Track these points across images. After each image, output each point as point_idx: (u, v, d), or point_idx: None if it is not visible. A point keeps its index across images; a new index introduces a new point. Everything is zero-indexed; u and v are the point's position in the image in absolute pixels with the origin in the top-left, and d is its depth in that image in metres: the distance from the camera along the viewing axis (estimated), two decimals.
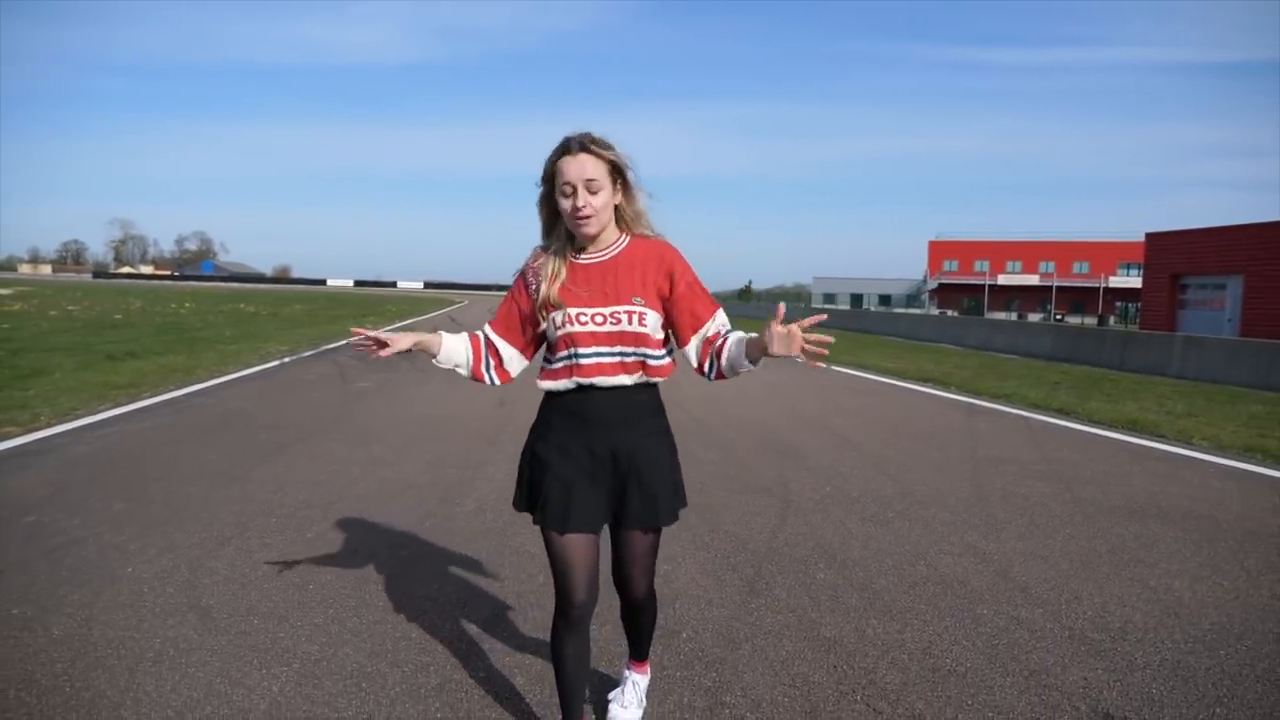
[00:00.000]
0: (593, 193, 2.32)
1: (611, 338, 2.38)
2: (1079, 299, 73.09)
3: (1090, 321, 60.82)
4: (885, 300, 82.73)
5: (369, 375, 12.84)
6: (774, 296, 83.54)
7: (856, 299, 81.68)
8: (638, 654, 2.83)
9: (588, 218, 2.32)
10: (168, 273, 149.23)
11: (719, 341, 2.43)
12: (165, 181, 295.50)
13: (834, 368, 16.09)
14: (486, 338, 2.63)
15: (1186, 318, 36.70)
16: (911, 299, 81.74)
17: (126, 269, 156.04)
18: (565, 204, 2.33)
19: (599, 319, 2.38)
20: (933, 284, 79.68)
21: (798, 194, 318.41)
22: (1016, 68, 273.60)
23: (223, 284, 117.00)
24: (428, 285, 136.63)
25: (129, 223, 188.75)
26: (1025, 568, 4.34)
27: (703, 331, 2.47)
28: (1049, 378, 15.16)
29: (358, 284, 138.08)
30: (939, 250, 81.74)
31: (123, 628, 3.39)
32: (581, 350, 2.39)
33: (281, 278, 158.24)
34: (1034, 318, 65.86)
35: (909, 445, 7.80)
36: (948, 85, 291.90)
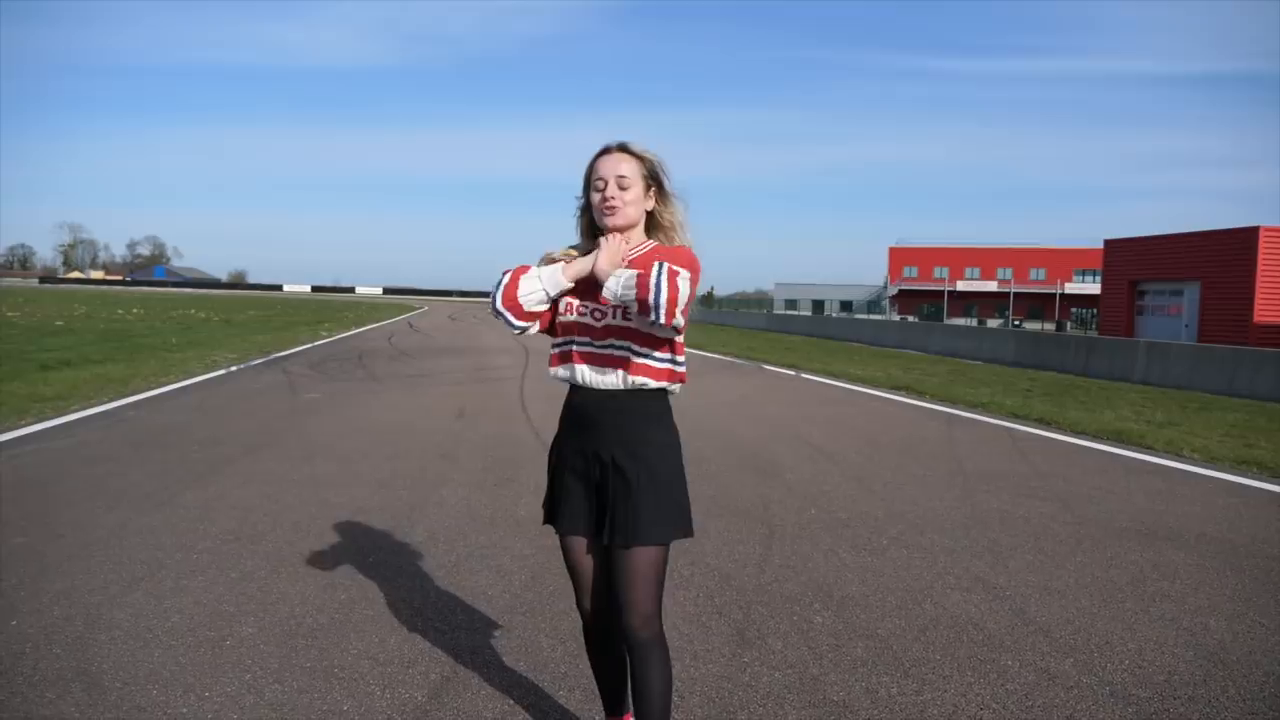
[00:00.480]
0: (622, 188, 2.33)
1: (603, 331, 2.31)
2: (1036, 305, 73.79)
3: (1048, 327, 61.49)
4: (847, 306, 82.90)
5: (320, 385, 12.18)
6: (735, 303, 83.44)
7: (818, 305, 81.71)
8: None
9: (613, 208, 2.32)
10: (119, 278, 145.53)
11: None
12: (117, 184, 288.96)
13: (803, 375, 15.71)
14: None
15: (1145, 323, 37.04)
16: (873, 305, 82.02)
17: (76, 274, 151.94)
18: (595, 197, 2.35)
19: (598, 315, 2.32)
20: (893, 290, 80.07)
21: (759, 199, 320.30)
22: (975, 77, 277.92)
23: (175, 289, 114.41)
24: (387, 291, 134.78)
25: (79, 226, 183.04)
26: (1043, 605, 3.89)
27: None
28: (1019, 384, 14.93)
29: (315, 289, 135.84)
30: (899, 256, 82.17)
31: None
32: (576, 339, 2.35)
33: (237, 283, 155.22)
34: (993, 323, 66.42)
35: (890, 459, 7.37)
36: (908, 93, 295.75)
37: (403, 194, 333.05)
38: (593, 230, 2.42)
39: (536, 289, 2.29)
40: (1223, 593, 4.14)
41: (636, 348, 2.29)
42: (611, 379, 2.28)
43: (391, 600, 3.79)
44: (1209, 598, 4.06)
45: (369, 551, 4.46)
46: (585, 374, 2.31)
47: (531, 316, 2.33)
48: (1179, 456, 7.83)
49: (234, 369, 14.00)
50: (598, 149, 2.38)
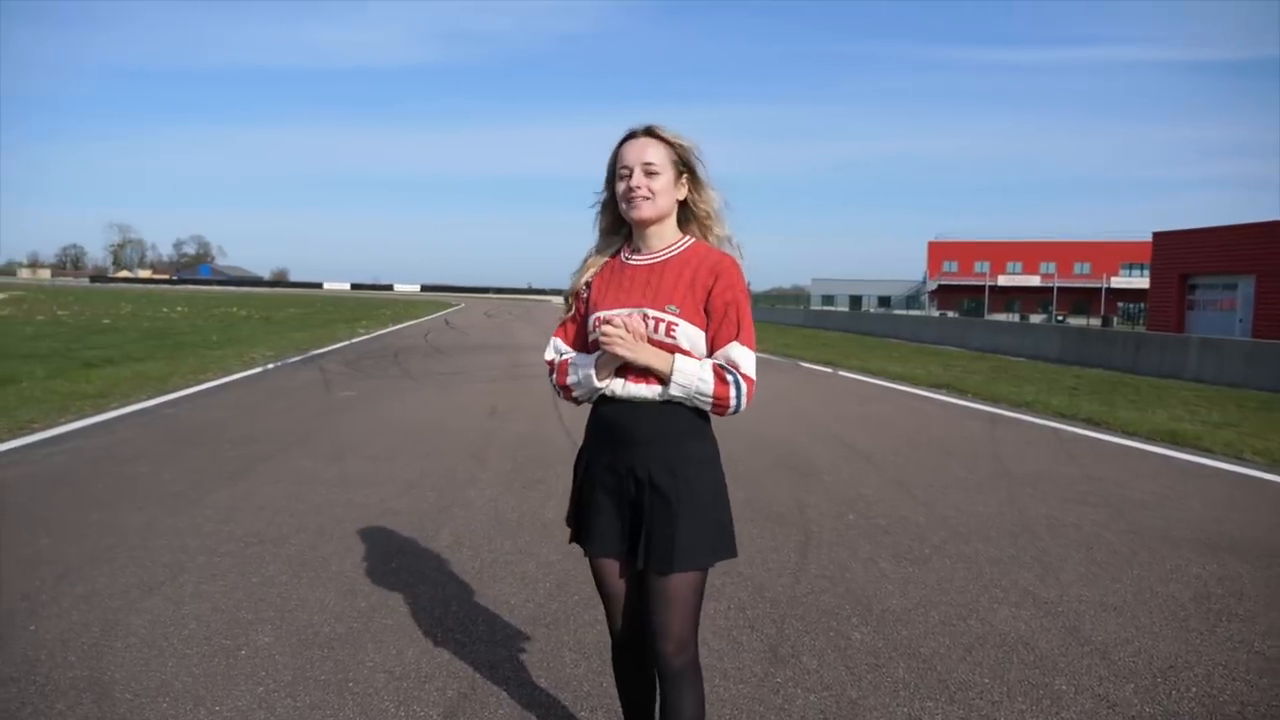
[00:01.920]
0: (650, 176, 2.10)
1: None
2: (1081, 300, 72.30)
3: (1094, 323, 60.18)
4: (884, 302, 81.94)
5: (355, 383, 12.17)
6: (772, 299, 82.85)
7: (855, 300, 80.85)
8: None
9: (640, 198, 2.10)
10: (165, 277, 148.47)
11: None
12: (164, 185, 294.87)
13: (839, 372, 15.43)
14: (561, 358, 2.29)
15: (1196, 318, 36.02)
16: (911, 300, 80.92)
17: (124, 273, 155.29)
18: (620, 186, 2.13)
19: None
20: (932, 285, 78.94)
21: (796, 195, 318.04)
22: (1015, 68, 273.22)
23: (219, 288, 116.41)
24: (424, 288, 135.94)
25: (127, 227, 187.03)
26: (1098, 622, 3.67)
27: (714, 356, 2.12)
28: (1064, 382, 14.52)
29: (354, 287, 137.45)
30: (939, 251, 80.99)
31: None
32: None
33: (278, 281, 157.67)
34: (1035, 319, 65.18)
35: (931, 460, 7.13)
36: (947, 86, 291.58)
37: (441, 192, 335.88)
38: (616, 225, 2.24)
39: (579, 386, 2.17)
40: None
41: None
42: (646, 390, 2.08)
43: (412, 609, 3.67)
44: None
45: (392, 556, 4.36)
46: (618, 385, 2.10)
47: (583, 397, 2.21)
48: (1240, 460, 7.49)
49: (271, 366, 14.08)
50: (622, 134, 2.17)
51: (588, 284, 2.22)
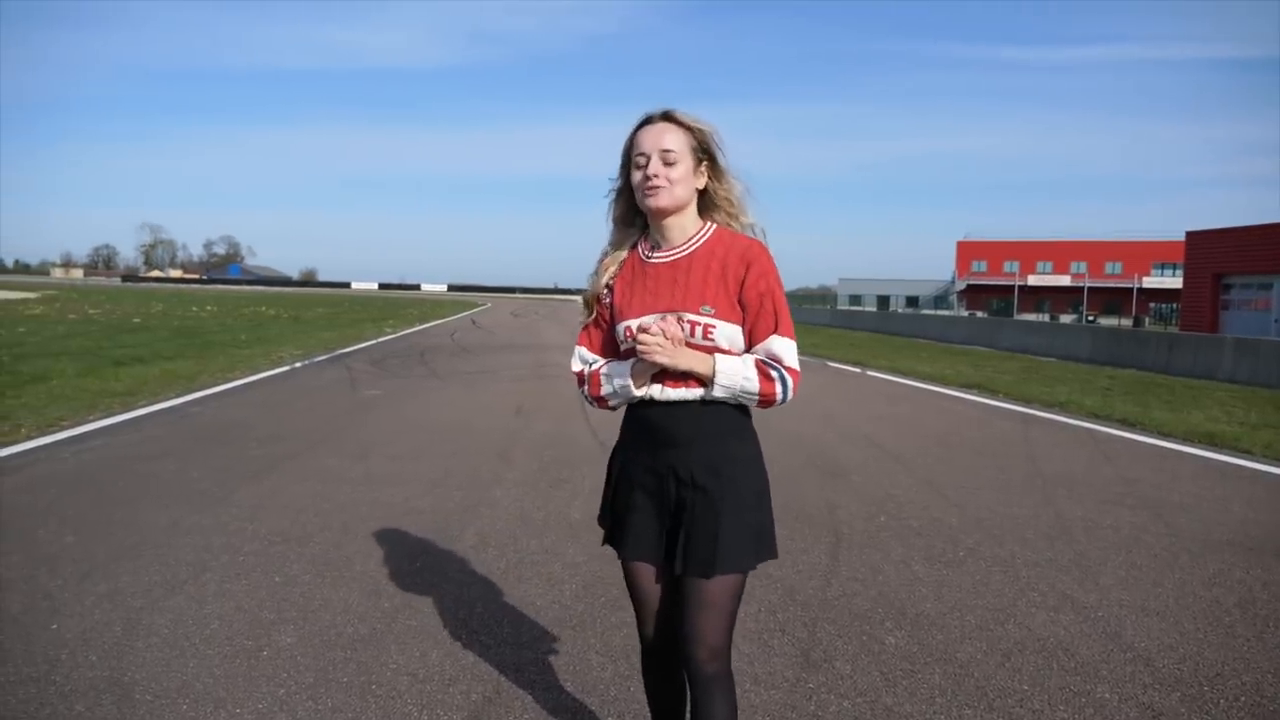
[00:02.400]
0: (667, 163, 1.99)
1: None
2: (1112, 300, 71.31)
3: (1125, 323, 59.32)
4: (912, 301, 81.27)
5: (381, 382, 12.20)
6: (800, 298, 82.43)
7: (883, 300, 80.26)
8: None
9: (657, 188, 1.99)
10: (195, 276, 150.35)
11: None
12: (195, 186, 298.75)
13: (868, 372, 15.26)
14: (591, 368, 2.18)
15: (1230, 319, 35.38)
16: (939, 300, 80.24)
17: (155, 273, 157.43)
18: (636, 175, 2.02)
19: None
20: (961, 285, 78.20)
21: (823, 195, 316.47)
22: (1045, 66, 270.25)
23: (248, 287, 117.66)
24: (451, 288, 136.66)
25: (158, 227, 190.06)
26: (1140, 628, 3.55)
27: (755, 350, 2.04)
28: (1097, 382, 14.27)
29: (382, 287, 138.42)
30: (967, 251, 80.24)
31: (13, 717, 2.70)
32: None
33: (307, 281, 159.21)
34: (1066, 319, 64.37)
35: (963, 461, 6.99)
36: (976, 84, 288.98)
37: (467, 192, 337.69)
38: (630, 215, 2.13)
39: (614, 395, 2.08)
40: None
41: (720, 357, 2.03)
42: (687, 393, 1.99)
43: (436, 609, 3.62)
44: None
45: (417, 556, 4.31)
46: (656, 390, 2.02)
47: (618, 405, 2.13)
48: (1279, 462, 7.29)
49: (298, 365, 14.15)
50: (638, 119, 2.06)
51: (609, 286, 2.12)
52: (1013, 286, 73.18)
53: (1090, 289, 70.39)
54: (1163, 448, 7.93)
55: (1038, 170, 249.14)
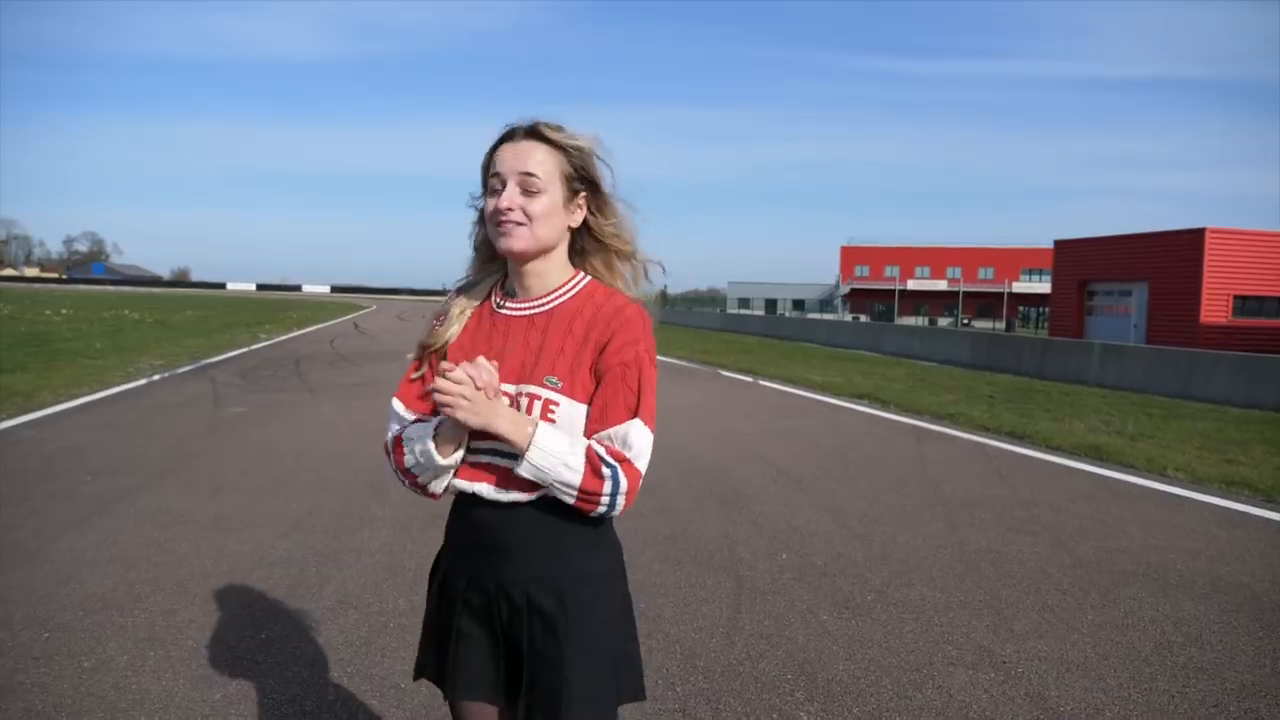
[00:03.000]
0: (528, 192, 1.56)
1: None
2: (985, 304, 74.48)
3: (999, 326, 62.13)
4: (799, 305, 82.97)
5: (248, 397, 11.29)
6: (689, 301, 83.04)
7: (771, 304, 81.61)
8: None
9: (515, 224, 1.55)
10: (55, 275, 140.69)
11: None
12: (53, 179, 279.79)
13: (760, 381, 15.16)
14: (400, 428, 1.68)
15: (1094, 323, 37.32)
16: (825, 304, 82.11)
17: (9, 271, 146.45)
18: (489, 204, 1.59)
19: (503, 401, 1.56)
20: (845, 289, 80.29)
21: (712, 198, 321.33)
22: (927, 79, 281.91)
23: (113, 287, 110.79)
24: (335, 289, 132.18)
25: (12, 222, 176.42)
26: (1063, 686, 3.30)
27: (600, 434, 1.56)
28: (980, 390, 14.59)
29: (260, 288, 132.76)
30: (851, 255, 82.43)
31: None
32: (473, 444, 1.58)
33: (179, 281, 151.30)
34: (943, 322, 66.96)
35: (862, 483, 6.79)
36: (862, 94, 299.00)
37: (353, 190, 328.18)
38: (493, 257, 1.69)
39: (420, 468, 1.59)
40: (1261, 662, 3.59)
41: None
42: (518, 494, 1.56)
43: (279, 700, 3.07)
44: (1250, 670, 3.50)
45: (263, 623, 3.73)
46: (486, 489, 1.58)
47: (441, 490, 1.64)
48: (1163, 477, 7.38)
49: (157, 378, 13.04)
50: (499, 135, 1.61)
51: (432, 334, 1.69)
52: (893, 291, 75.65)
53: (965, 293, 73.44)
54: (1053, 464, 7.95)
55: (917, 178, 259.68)
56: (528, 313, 1.62)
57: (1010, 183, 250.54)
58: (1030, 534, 5.44)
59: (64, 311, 35.08)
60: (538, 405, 1.53)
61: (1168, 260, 33.55)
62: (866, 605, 4.11)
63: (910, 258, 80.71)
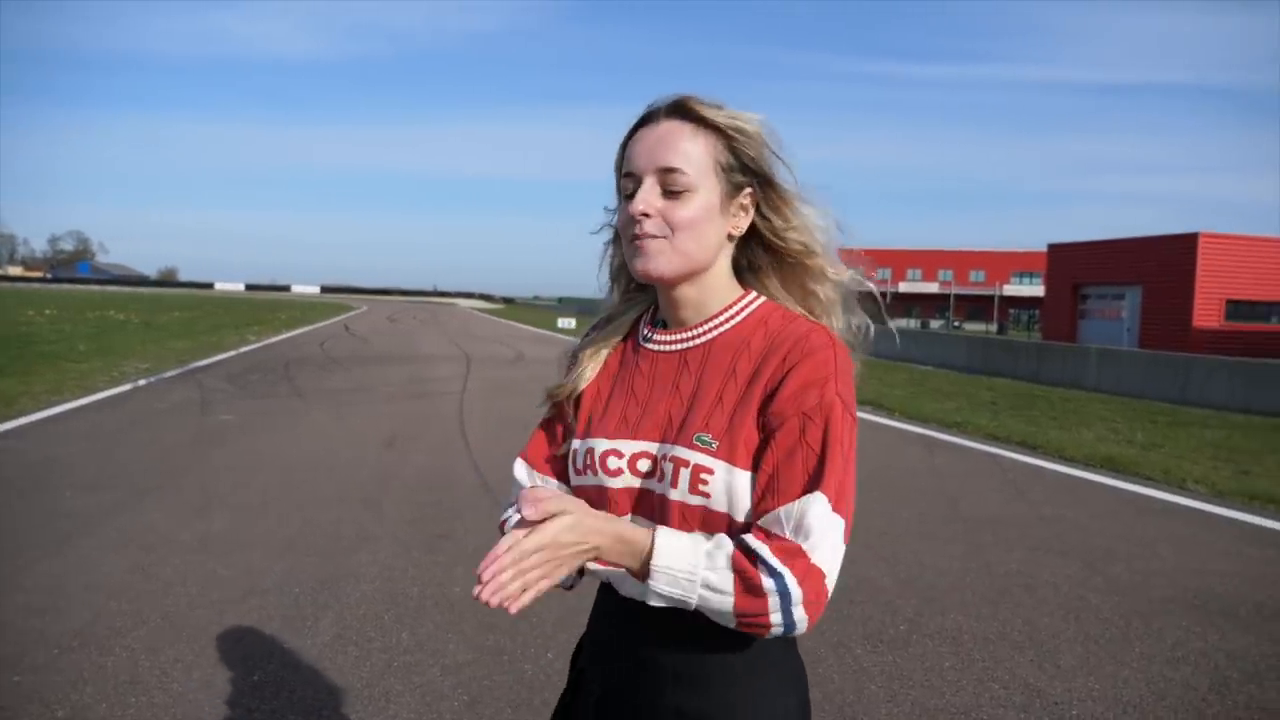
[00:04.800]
0: (671, 193, 1.16)
1: (657, 508, 1.17)
2: (975, 306, 74.58)
3: (990, 328, 62.17)
4: None
5: (236, 403, 10.97)
6: None
7: None
8: None
9: (647, 240, 1.17)
10: (39, 274, 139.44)
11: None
12: (39, 176, 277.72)
13: None
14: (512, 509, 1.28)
15: (1087, 326, 37.30)
16: None
17: None
18: (621, 215, 1.21)
19: (644, 465, 1.19)
20: None
21: None
22: (921, 82, 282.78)
23: (99, 287, 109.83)
24: (325, 289, 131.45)
25: None
26: None
27: (762, 520, 1.12)
28: (982, 396, 14.42)
29: (249, 288, 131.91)
30: (842, 258, 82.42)
31: None
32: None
33: (166, 281, 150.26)
34: (934, 324, 66.95)
35: (879, 499, 6.55)
36: (854, 97, 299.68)
37: (343, 189, 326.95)
38: (640, 285, 1.32)
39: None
40: None
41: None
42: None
43: None
44: None
45: (255, 664, 3.45)
46: (619, 576, 1.20)
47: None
48: (1184, 490, 7.17)
49: (142, 382, 12.69)
50: (638, 115, 1.23)
51: (565, 382, 1.33)
52: (885, 293, 75.61)
53: (956, 296, 73.49)
54: (1069, 476, 7.73)
55: (909, 181, 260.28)
56: (679, 347, 1.25)
57: (1002, 186, 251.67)
58: (1059, 554, 5.21)
59: (47, 312, 34.54)
60: (685, 474, 1.14)
61: (1161, 264, 33.53)
62: (900, 637, 3.86)
63: (902, 260, 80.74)
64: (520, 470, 1.34)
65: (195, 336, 23.22)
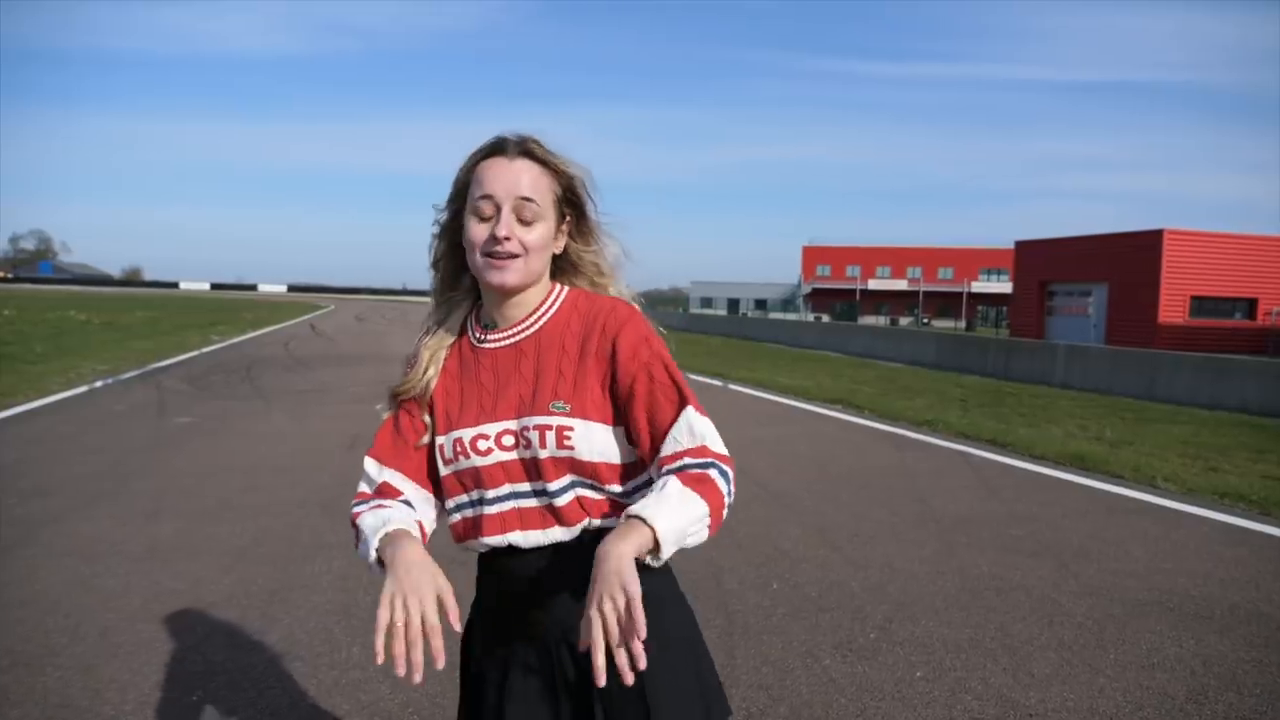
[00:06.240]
0: (525, 221, 1.43)
1: (529, 469, 1.43)
2: (944, 304, 75.11)
3: (959, 325, 62.67)
4: (761, 304, 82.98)
5: (196, 405, 10.70)
6: (653, 300, 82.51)
7: (733, 303, 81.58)
8: None
9: (511, 257, 1.42)
10: (0, 275, 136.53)
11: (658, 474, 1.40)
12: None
13: (730, 386, 14.83)
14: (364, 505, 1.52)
15: (1054, 323, 37.67)
16: (787, 304, 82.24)
17: None
18: (478, 231, 1.42)
19: (509, 440, 1.44)
20: (807, 289, 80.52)
21: (675, 197, 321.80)
22: (887, 80, 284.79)
23: (61, 287, 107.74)
24: (292, 289, 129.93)
25: None
26: None
27: (663, 447, 1.43)
28: (952, 393, 14.42)
29: (215, 287, 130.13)
30: (812, 255, 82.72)
31: None
32: (489, 493, 1.44)
33: (130, 280, 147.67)
34: (904, 321, 67.41)
35: (848, 498, 6.47)
36: (822, 95, 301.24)
37: (311, 188, 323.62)
38: (457, 269, 1.53)
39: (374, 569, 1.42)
40: None
41: (598, 484, 1.44)
42: (560, 533, 1.43)
43: None
44: None
45: (196, 682, 3.27)
46: (512, 537, 1.44)
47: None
48: (1154, 489, 7.15)
49: (100, 384, 12.37)
50: (482, 145, 1.46)
51: (411, 378, 1.52)
52: (855, 290, 76.04)
53: (925, 293, 73.98)
54: (1039, 474, 7.69)
55: (879, 178, 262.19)
56: (513, 340, 1.50)
57: (969, 184, 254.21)
58: (1031, 555, 5.14)
59: (5, 313, 33.71)
60: (550, 435, 1.40)
61: (1127, 261, 33.93)
62: (870, 646, 3.76)
63: (871, 257, 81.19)
64: (369, 465, 1.54)
65: (157, 337, 22.78)
